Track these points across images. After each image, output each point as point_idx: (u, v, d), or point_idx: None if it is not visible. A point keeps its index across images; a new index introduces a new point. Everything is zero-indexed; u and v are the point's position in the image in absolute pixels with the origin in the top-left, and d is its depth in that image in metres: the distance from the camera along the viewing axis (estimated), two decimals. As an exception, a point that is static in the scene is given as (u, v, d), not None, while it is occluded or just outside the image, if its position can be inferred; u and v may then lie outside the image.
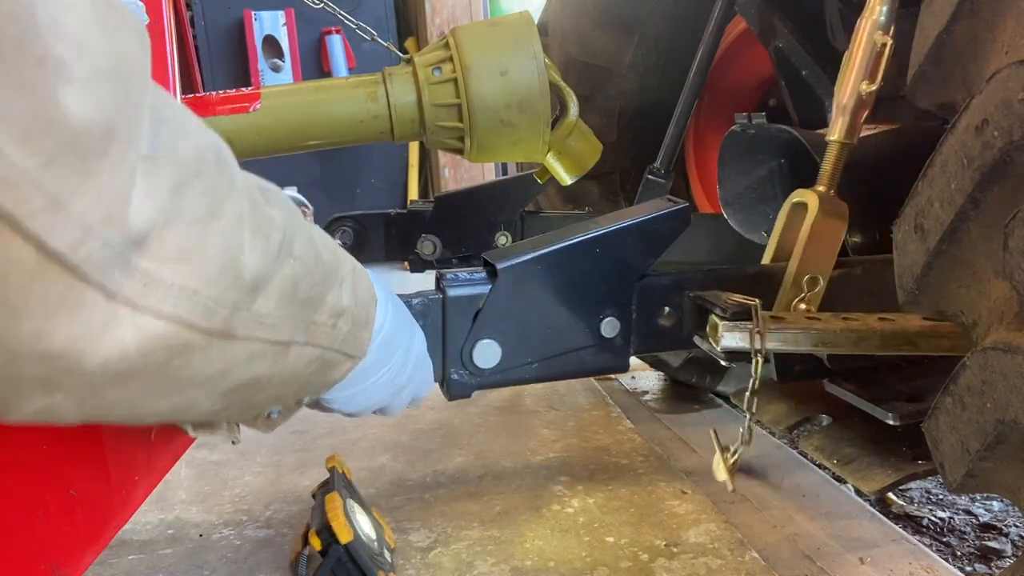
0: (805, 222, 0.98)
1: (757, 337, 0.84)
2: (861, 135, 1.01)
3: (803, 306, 0.95)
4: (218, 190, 0.44)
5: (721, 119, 1.88)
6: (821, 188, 1.00)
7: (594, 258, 0.90)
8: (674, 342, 0.98)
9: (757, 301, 0.86)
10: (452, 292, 0.86)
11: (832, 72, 1.47)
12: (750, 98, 1.87)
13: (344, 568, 1.09)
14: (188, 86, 1.24)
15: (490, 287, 0.87)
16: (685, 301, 0.96)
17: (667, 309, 0.95)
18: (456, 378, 0.89)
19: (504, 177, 2.87)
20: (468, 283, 0.87)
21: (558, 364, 0.92)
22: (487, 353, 0.88)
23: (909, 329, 0.87)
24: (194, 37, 3.87)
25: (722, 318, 0.86)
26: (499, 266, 0.86)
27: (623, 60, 1.75)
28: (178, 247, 0.40)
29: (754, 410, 0.89)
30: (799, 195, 1.02)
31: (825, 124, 1.45)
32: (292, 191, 4.40)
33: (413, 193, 4.27)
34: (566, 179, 1.29)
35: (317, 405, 0.72)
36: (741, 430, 0.91)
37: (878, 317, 0.89)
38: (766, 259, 1.05)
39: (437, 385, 0.90)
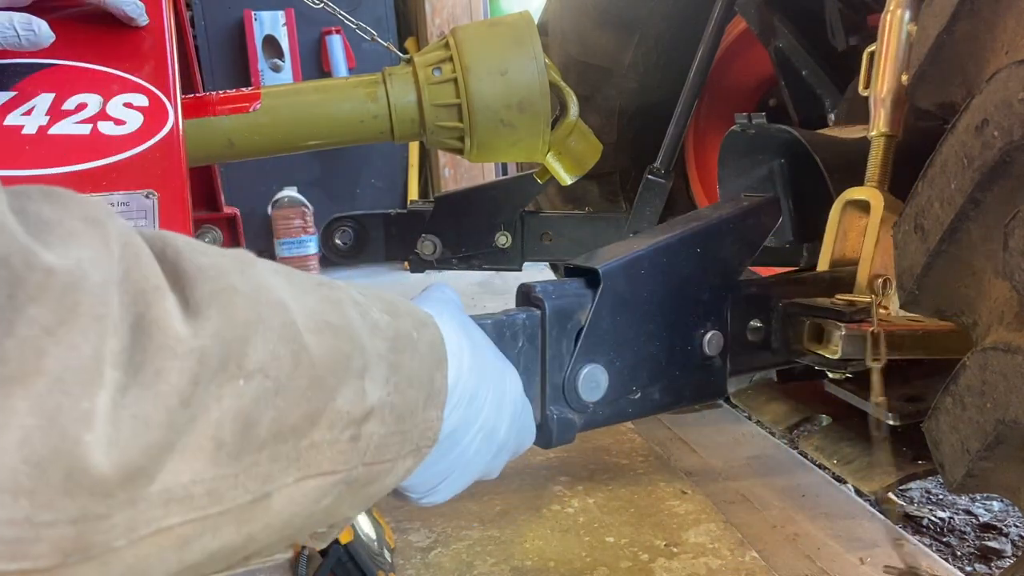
0: (870, 222, 0.93)
1: (876, 341, 0.76)
2: (858, 136, 1.01)
3: (882, 310, 0.88)
4: (21, 332, 0.27)
5: (721, 119, 1.88)
6: (874, 184, 0.97)
7: (695, 258, 0.78)
8: (763, 359, 0.87)
9: (873, 298, 0.79)
10: (551, 304, 0.70)
11: (832, 72, 1.47)
12: (750, 98, 1.87)
13: (344, 568, 1.09)
14: (188, 86, 1.24)
15: (591, 297, 0.72)
16: (775, 311, 0.85)
17: (755, 322, 0.84)
18: (558, 416, 0.71)
19: (504, 177, 2.87)
20: (567, 294, 0.72)
21: (659, 392, 0.78)
22: (592, 382, 0.72)
23: None
24: (194, 37, 3.87)
25: (841, 322, 0.78)
26: (601, 268, 0.72)
27: (623, 60, 1.75)
28: None
29: (884, 456, 0.81)
30: (855, 193, 0.96)
31: (825, 124, 1.45)
32: (292, 191, 4.39)
33: (413, 193, 4.27)
34: (566, 179, 1.29)
35: (396, 496, 0.56)
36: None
37: None
38: (823, 263, 1.00)
39: None
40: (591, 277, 0.73)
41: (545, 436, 0.71)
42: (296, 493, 0.39)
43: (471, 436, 0.55)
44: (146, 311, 0.31)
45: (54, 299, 0.28)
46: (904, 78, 0.94)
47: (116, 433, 0.29)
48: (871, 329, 0.78)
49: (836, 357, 0.80)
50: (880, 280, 0.90)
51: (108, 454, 0.28)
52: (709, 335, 0.80)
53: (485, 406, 0.55)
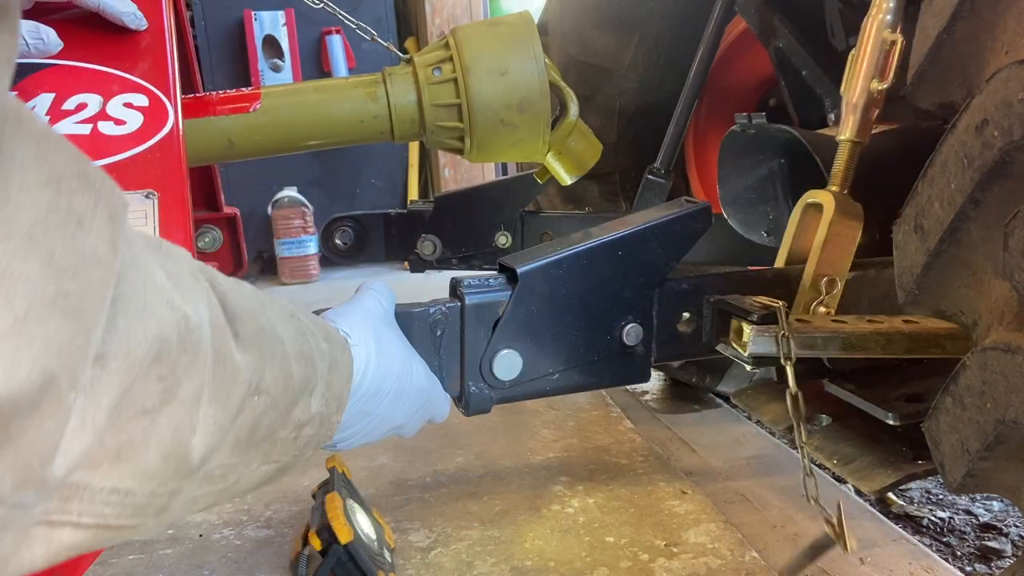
0: (821, 223, 0.96)
1: (785, 342, 0.81)
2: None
3: (822, 309, 0.92)
4: (177, 371, 0.39)
5: (721, 119, 1.88)
6: (834, 188, 0.99)
7: (616, 261, 0.85)
8: (693, 349, 0.93)
9: (781, 303, 0.84)
10: (471, 299, 0.80)
11: (832, 72, 1.47)
12: (750, 98, 1.87)
13: (344, 568, 1.09)
14: (188, 86, 1.24)
15: (510, 293, 0.82)
16: (705, 306, 0.92)
17: (686, 315, 0.91)
18: (475, 391, 0.83)
19: (504, 177, 2.87)
20: (487, 290, 0.82)
21: (578, 375, 0.87)
22: (507, 364, 0.82)
23: (937, 331, 0.84)
24: (194, 37, 3.88)
25: (749, 322, 0.83)
26: (519, 270, 0.81)
27: (623, 60, 1.75)
28: (116, 446, 0.36)
29: (805, 439, 0.84)
30: (812, 196, 1.00)
31: (825, 124, 1.45)
32: (292, 191, 4.38)
33: (413, 193, 4.27)
34: (566, 179, 1.29)
35: None
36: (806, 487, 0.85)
37: (903, 319, 0.87)
38: (779, 262, 1.03)
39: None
40: (512, 274, 0.82)
41: (464, 405, 0.84)
42: (256, 475, 0.53)
43: (368, 421, 0.70)
44: (220, 344, 0.44)
45: (191, 355, 0.40)
46: (875, 85, 0.94)
47: (204, 436, 0.42)
48: (778, 331, 0.82)
49: (746, 354, 0.85)
50: (825, 279, 0.92)
51: (198, 448, 0.42)
52: (629, 327, 0.87)
53: (384, 401, 0.70)
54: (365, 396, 0.67)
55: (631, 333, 0.87)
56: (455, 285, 0.82)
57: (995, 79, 0.63)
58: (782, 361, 0.83)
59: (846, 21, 1.43)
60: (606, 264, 0.85)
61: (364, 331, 0.69)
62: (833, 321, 0.89)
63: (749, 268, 1.25)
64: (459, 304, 0.80)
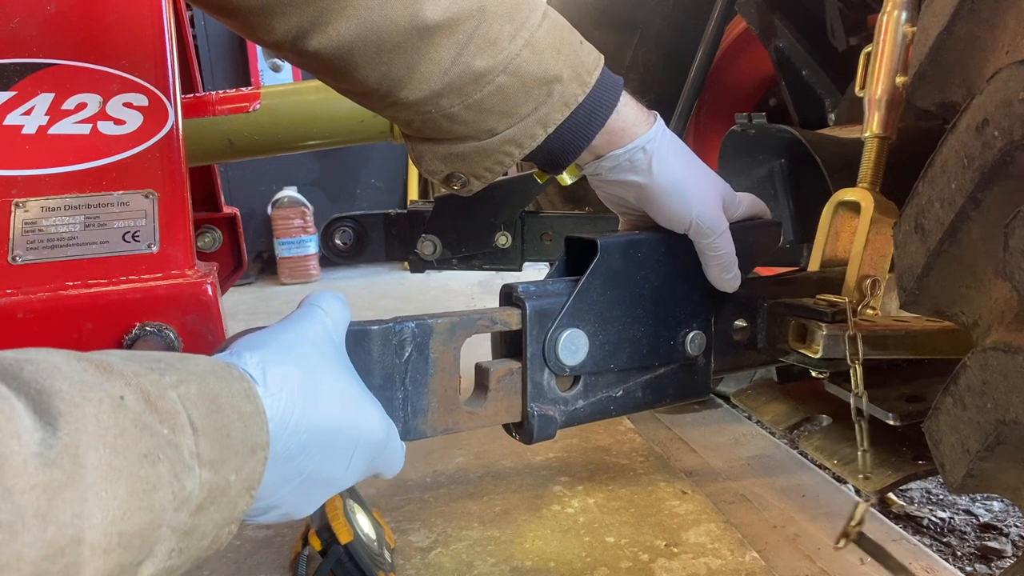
0: (860, 223, 0.94)
1: (856, 342, 0.78)
2: (858, 136, 1.01)
3: (869, 311, 0.90)
4: None
5: (721, 119, 1.88)
6: (866, 185, 0.98)
7: (692, 258, 0.79)
8: (748, 358, 0.88)
9: (849, 300, 0.81)
10: (533, 304, 0.71)
11: (832, 72, 1.48)
12: (750, 98, 1.87)
13: (344, 568, 1.09)
14: (188, 86, 1.24)
15: (573, 295, 0.73)
16: (760, 312, 0.87)
17: (739, 323, 0.86)
18: (539, 414, 0.72)
19: (504, 177, 2.87)
20: (549, 294, 0.73)
21: (642, 390, 0.79)
22: (573, 344, 0.73)
23: None
24: (194, 37, 3.87)
25: (823, 323, 0.80)
26: (601, 241, 0.74)
27: (623, 60, 1.75)
28: None
29: (866, 444, 0.83)
30: (847, 194, 0.98)
31: (825, 124, 1.45)
32: (292, 191, 4.37)
33: (413, 193, 4.27)
34: (566, 179, 1.29)
35: None
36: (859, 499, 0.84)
37: None
38: (813, 264, 1.00)
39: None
40: (577, 276, 0.75)
41: (527, 433, 0.72)
42: None
43: (293, 488, 0.54)
44: None
45: None
46: (899, 80, 0.94)
47: None
48: (847, 331, 0.80)
49: (818, 356, 0.82)
50: (869, 280, 0.91)
51: None
52: (692, 334, 0.81)
53: (312, 459, 0.54)
54: (282, 459, 0.52)
55: (695, 341, 0.81)
56: (509, 291, 0.73)
57: (995, 79, 0.63)
58: (848, 362, 0.80)
59: (846, 21, 1.43)
60: (683, 259, 0.79)
61: (288, 370, 0.53)
62: (896, 321, 0.87)
63: (793, 271, 1.24)
64: (520, 311, 0.71)
